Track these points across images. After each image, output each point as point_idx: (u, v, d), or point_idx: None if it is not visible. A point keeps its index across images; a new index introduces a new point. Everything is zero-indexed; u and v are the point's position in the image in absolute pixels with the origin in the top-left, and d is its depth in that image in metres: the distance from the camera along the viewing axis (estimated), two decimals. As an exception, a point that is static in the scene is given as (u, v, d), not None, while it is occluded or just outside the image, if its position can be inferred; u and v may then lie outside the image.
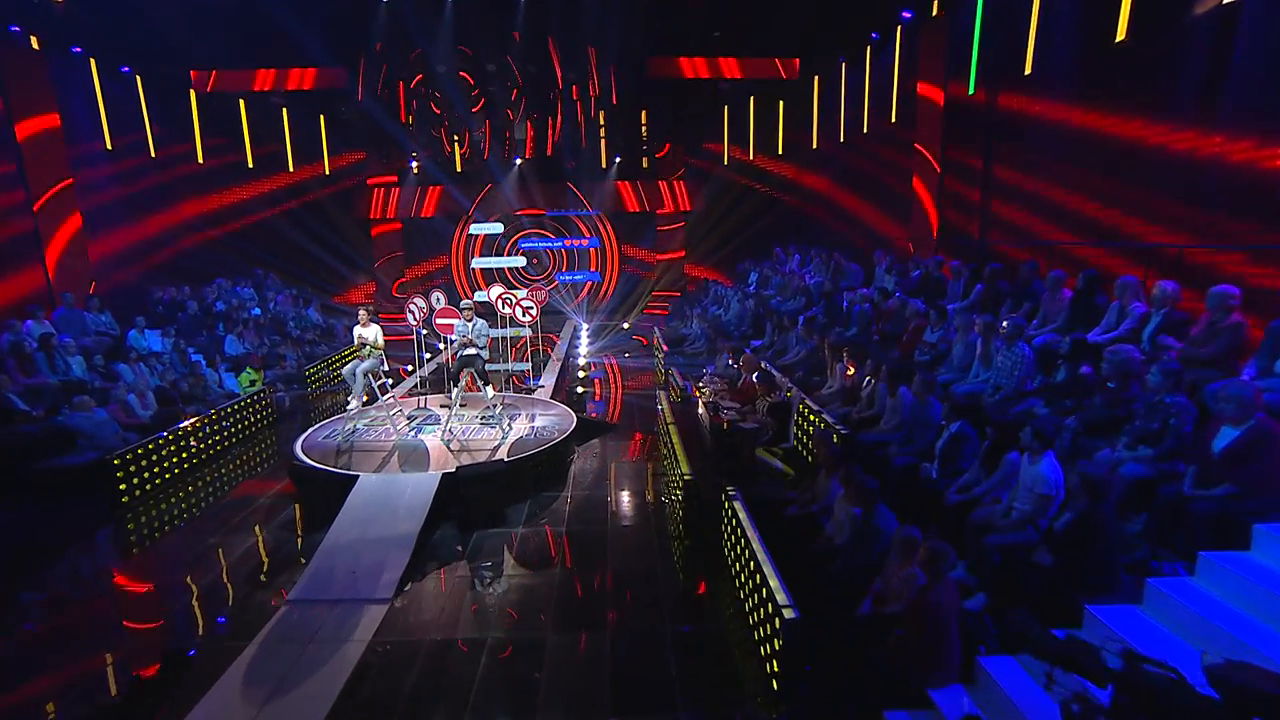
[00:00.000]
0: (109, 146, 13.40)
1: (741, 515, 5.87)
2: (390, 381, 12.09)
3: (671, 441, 7.81)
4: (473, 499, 7.26)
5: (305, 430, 9.33)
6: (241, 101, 17.36)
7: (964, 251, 9.76)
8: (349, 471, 7.75)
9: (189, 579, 6.45)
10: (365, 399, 9.58)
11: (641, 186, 20.45)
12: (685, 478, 6.81)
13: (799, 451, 8.08)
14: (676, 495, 7.18)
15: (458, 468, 7.47)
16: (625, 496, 7.93)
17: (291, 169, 18.89)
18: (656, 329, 15.49)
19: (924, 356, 7.92)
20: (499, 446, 8.41)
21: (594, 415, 10.70)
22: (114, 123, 13.52)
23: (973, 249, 9.83)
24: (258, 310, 14.52)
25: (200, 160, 16.23)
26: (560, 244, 21.55)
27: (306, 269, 18.83)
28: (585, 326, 18.99)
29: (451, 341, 9.42)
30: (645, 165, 21.17)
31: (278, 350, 12.99)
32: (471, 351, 9.19)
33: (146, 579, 6.58)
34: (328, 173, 19.93)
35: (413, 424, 9.41)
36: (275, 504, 7.97)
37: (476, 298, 9.44)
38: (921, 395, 6.40)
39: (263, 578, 6.39)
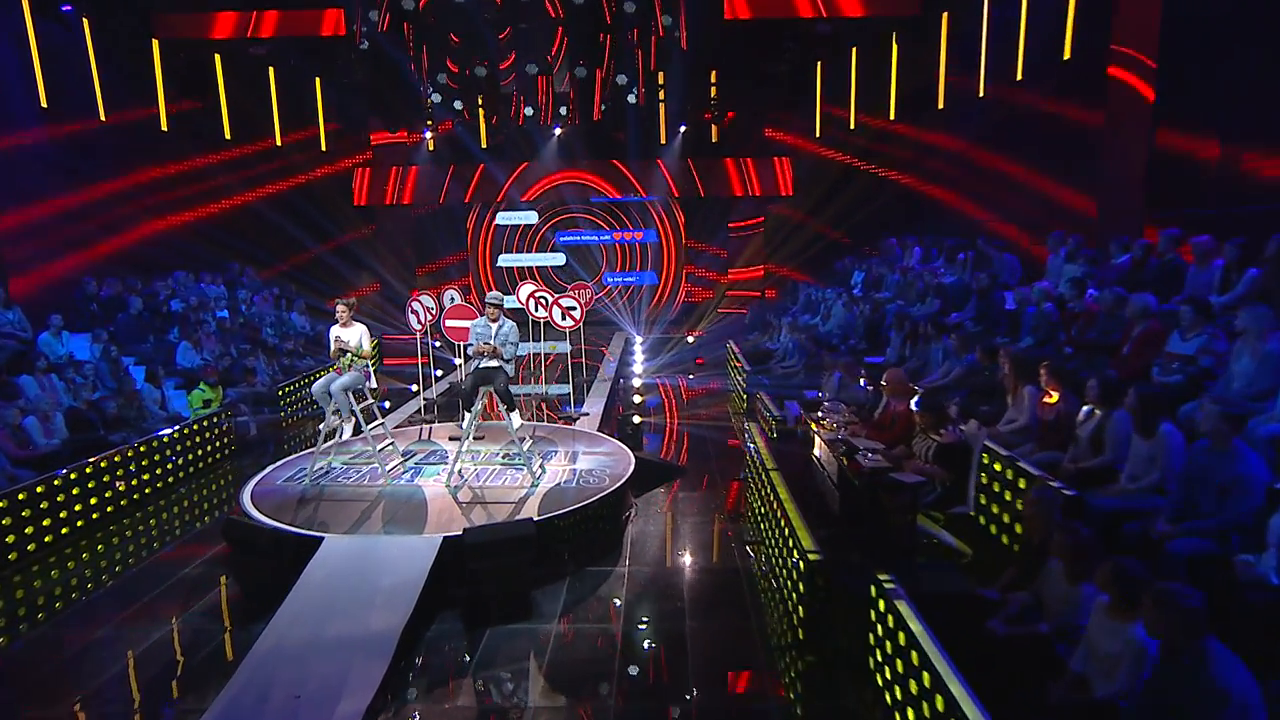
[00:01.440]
0: (43, 104, 12.54)
1: (915, 627, 4.25)
2: (386, 404, 11.49)
3: (776, 497, 6.39)
4: (486, 576, 6.07)
5: (264, 469, 8.32)
6: (217, 56, 16.60)
7: (1194, 223, 7.92)
8: (309, 531, 6.54)
9: (43, 703, 5.01)
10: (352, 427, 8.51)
11: (752, 165, 19.43)
12: (808, 555, 5.28)
13: (977, 519, 6.45)
14: (789, 580, 5.72)
15: (466, 529, 6.27)
16: (708, 577, 6.60)
17: (279, 141, 18.22)
18: (731, 343, 14.79)
19: (1171, 377, 6.10)
20: (526, 498, 7.33)
21: (664, 458, 9.76)
22: (51, 75, 12.68)
23: (1213, 220, 7.96)
24: (225, 313, 13.70)
25: (164, 126, 15.42)
26: (609, 237, 20.73)
27: (294, 264, 18.26)
28: (640, 339, 18.28)
29: (468, 351, 8.36)
30: (714, 139, 20.13)
31: (245, 362, 12.07)
32: (492, 364, 7.94)
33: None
34: (324, 148, 19.56)
35: (408, 463, 8.38)
36: (207, 576, 6.75)
37: (506, 303, 8.20)
38: (1219, 439, 4.56)
39: (156, 703, 5.04)
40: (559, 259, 20.74)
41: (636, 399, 11.76)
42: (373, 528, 6.74)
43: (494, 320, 8.00)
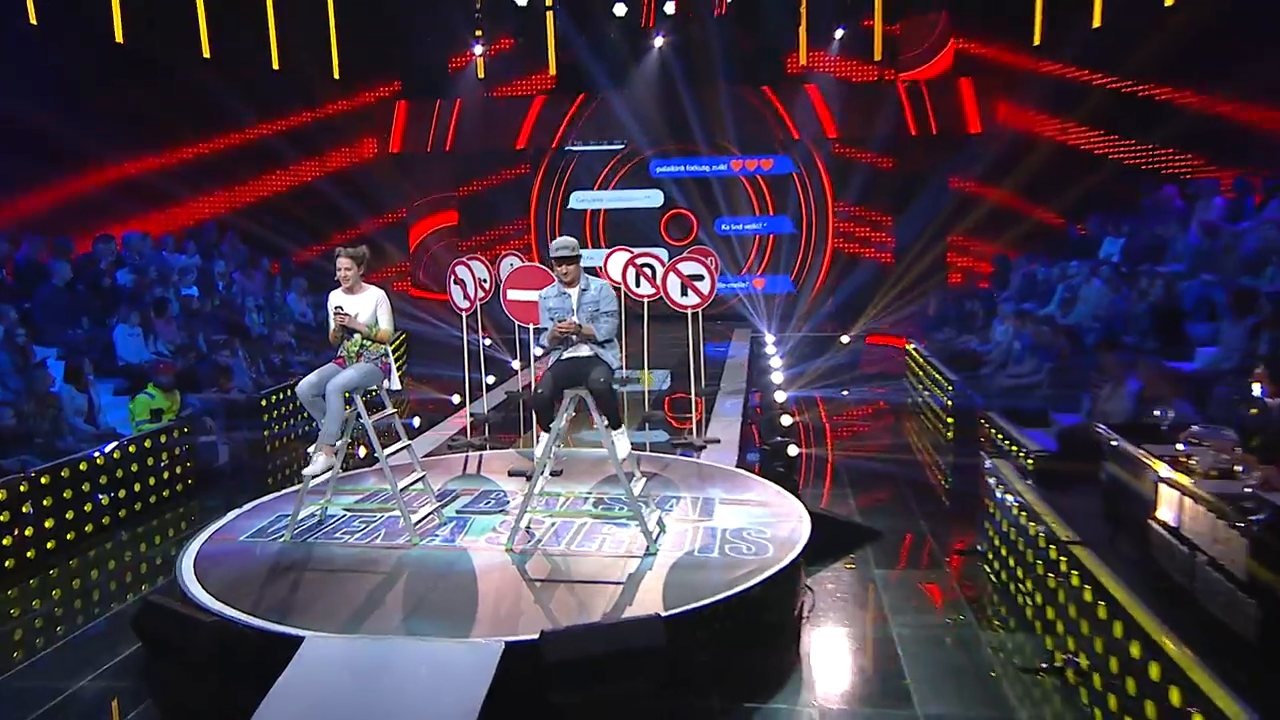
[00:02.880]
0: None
1: None
2: (415, 421, 11.54)
3: (1105, 596, 5.07)
4: (581, 716, 5.26)
5: (227, 516, 7.78)
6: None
7: None
8: (279, 627, 5.67)
9: None
10: (361, 452, 8.45)
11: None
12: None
13: None
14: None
15: (544, 632, 5.32)
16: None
17: (276, 64, 18.47)
18: (912, 345, 15.32)
19: None
20: (640, 576, 6.35)
21: (825, 507, 9.14)
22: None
23: None
24: (195, 289, 13.65)
25: (119, 39, 15.26)
26: (725, 167, 21.30)
27: (298, 231, 18.31)
28: (773, 339, 18.51)
29: (540, 338, 7.69)
30: (878, 55, 20.54)
31: (217, 358, 11.99)
32: (583, 353, 6.90)
33: None
34: (337, 76, 20.09)
35: (447, 512, 7.71)
36: (112, 697, 5.81)
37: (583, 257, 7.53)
38: None
39: None
40: (655, 197, 21.04)
41: (786, 420, 10.70)
42: (386, 622, 5.84)
43: (570, 284, 6.91)
